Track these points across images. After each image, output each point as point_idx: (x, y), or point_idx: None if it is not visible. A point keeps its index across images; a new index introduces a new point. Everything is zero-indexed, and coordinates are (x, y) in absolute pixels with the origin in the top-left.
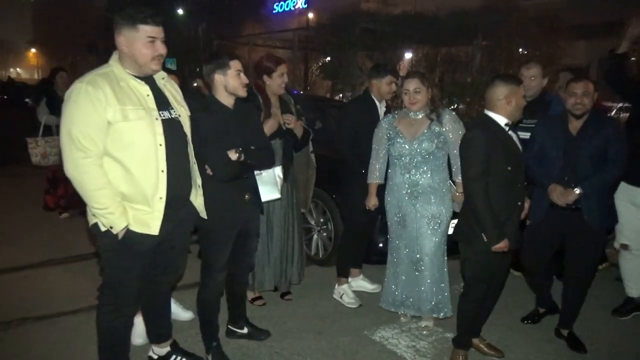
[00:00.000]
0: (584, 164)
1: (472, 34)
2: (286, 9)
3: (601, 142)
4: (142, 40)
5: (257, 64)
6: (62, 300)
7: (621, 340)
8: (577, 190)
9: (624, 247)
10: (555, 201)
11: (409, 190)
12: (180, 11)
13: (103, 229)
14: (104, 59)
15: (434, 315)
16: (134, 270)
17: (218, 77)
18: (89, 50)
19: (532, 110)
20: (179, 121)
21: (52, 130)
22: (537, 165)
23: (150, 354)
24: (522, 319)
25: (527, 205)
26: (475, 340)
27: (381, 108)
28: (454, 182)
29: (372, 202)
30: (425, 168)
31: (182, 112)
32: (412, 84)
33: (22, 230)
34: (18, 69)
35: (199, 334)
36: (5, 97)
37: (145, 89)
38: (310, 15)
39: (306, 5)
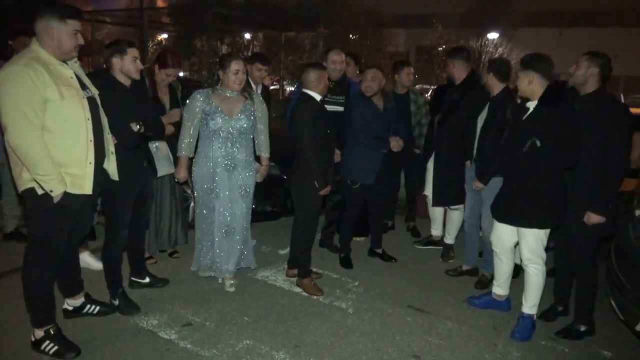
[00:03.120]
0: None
1: (314, 23)
2: None
3: (394, 118)
4: (69, 33)
5: (158, 56)
6: None
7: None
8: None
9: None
10: (395, 148)
11: (225, 162)
12: None
13: (40, 192)
14: None
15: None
16: (65, 227)
17: (115, 60)
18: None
19: (336, 88)
20: (95, 99)
21: None
22: (365, 133)
23: (65, 306)
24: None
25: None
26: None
27: (257, 90)
28: (258, 156)
29: (182, 174)
30: (241, 142)
31: (94, 91)
32: (241, 66)
33: None
34: None
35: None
36: None
37: (69, 72)
38: None
39: None
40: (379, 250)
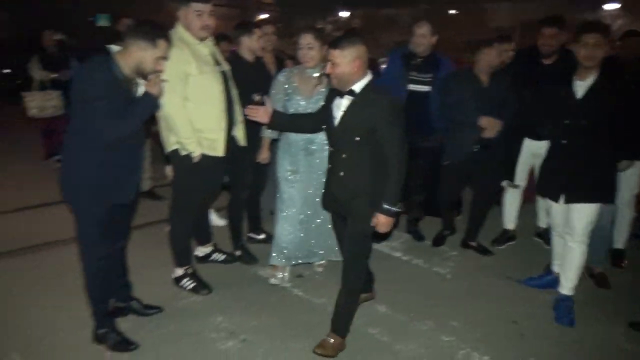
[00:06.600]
0: (493, 108)
1: None
2: None
3: (503, 91)
4: (193, 14)
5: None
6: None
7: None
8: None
9: (515, 186)
10: (485, 127)
11: (305, 147)
12: None
13: (183, 153)
14: None
15: (331, 257)
16: (202, 185)
17: (243, 39)
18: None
19: (424, 66)
20: (227, 73)
21: (46, 85)
22: (458, 112)
23: (197, 252)
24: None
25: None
26: None
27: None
28: None
29: (264, 155)
30: None
31: (226, 67)
32: (305, 40)
33: (24, 176)
34: None
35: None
36: None
37: (206, 50)
38: None
39: None
40: (473, 244)
